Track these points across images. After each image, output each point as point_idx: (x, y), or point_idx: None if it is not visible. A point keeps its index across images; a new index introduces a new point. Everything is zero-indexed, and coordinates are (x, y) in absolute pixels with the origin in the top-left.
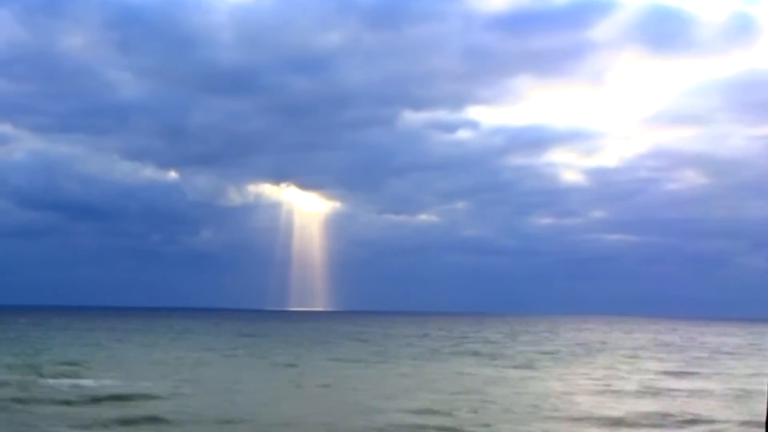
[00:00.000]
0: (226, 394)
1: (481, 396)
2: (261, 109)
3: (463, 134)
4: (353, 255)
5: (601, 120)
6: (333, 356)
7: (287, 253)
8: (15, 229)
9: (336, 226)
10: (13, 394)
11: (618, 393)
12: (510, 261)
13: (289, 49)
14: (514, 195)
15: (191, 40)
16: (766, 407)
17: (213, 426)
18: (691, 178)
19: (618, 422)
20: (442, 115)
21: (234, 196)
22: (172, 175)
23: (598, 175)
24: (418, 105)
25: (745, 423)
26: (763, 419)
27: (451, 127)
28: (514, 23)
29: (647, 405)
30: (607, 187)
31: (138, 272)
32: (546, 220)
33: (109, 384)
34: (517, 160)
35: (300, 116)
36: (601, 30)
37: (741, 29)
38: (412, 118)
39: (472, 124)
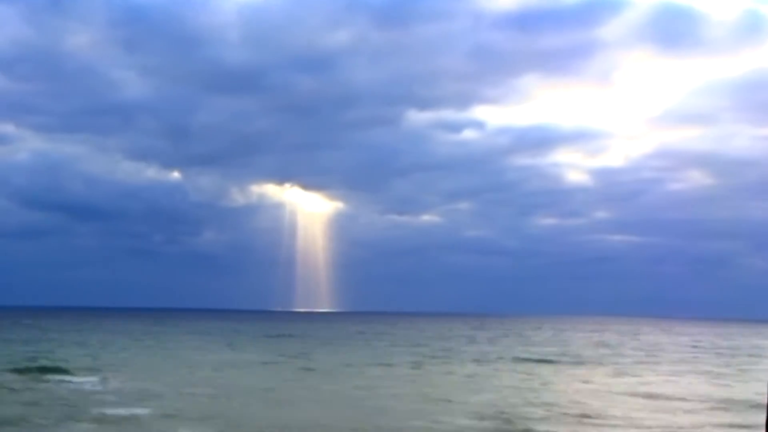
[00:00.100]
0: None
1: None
2: (266, 108)
3: (468, 134)
4: (356, 255)
5: (608, 120)
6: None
7: (290, 254)
8: (17, 229)
9: (339, 226)
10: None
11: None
12: (513, 261)
13: (296, 48)
14: (518, 195)
15: (197, 38)
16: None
17: None
18: (696, 179)
19: None
20: (447, 114)
21: (237, 197)
22: (176, 175)
23: (603, 175)
24: (424, 105)
25: None
26: None
27: (456, 127)
28: (523, 22)
29: None
30: (611, 187)
31: (141, 273)
32: (549, 221)
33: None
34: (521, 160)
35: (304, 116)
36: (611, 28)
37: (752, 28)
38: (416, 117)
39: (478, 124)
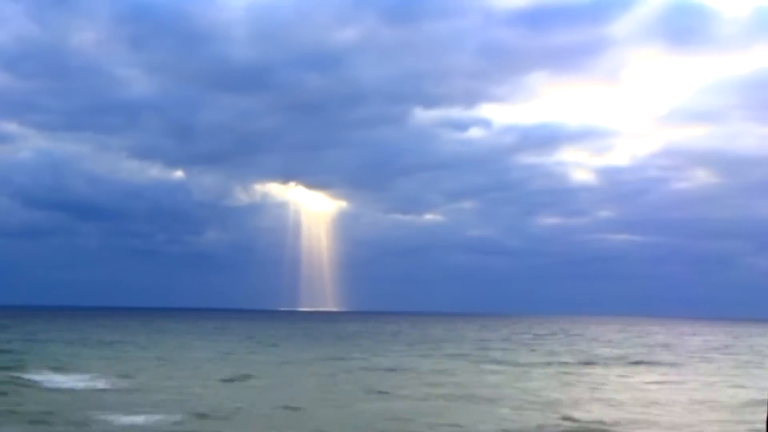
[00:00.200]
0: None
1: None
2: (272, 107)
3: (474, 133)
4: (359, 255)
5: (615, 118)
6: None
7: (294, 253)
8: (20, 229)
9: (342, 225)
10: None
11: None
12: (516, 261)
13: (304, 46)
14: (522, 194)
15: (204, 36)
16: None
17: None
18: (701, 177)
19: None
20: (454, 113)
21: (241, 196)
22: (179, 174)
23: (608, 174)
24: (430, 103)
25: None
26: None
27: (462, 126)
28: (534, 18)
29: None
30: (616, 186)
31: (145, 273)
32: (553, 220)
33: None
34: (527, 158)
35: (310, 114)
36: (622, 25)
37: (763, 25)
38: (423, 116)
39: (484, 123)
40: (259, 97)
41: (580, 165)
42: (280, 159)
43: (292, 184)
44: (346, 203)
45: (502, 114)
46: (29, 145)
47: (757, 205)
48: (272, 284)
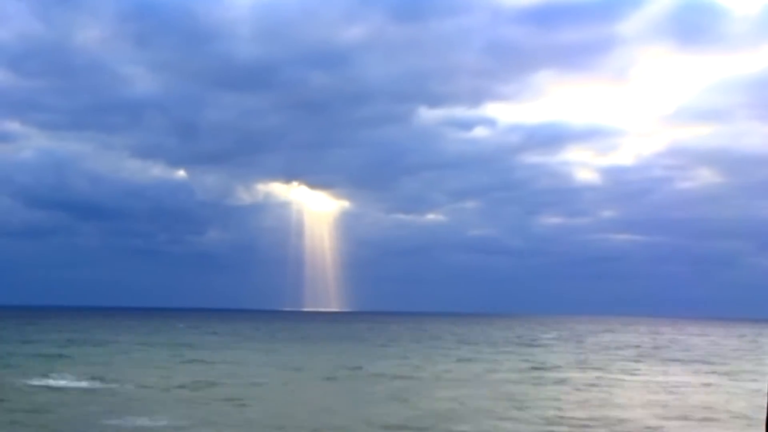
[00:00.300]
0: None
1: None
2: (276, 105)
3: (479, 132)
4: (361, 255)
5: (621, 117)
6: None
7: (297, 254)
8: (22, 228)
9: (344, 225)
10: None
11: None
12: (518, 261)
13: (310, 44)
14: (525, 194)
15: (208, 34)
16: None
17: None
18: (705, 177)
19: None
20: (459, 112)
21: (243, 195)
22: (182, 173)
23: (613, 173)
24: (435, 102)
25: None
26: None
27: (467, 125)
28: (542, 16)
29: None
30: (620, 186)
31: (147, 273)
32: (556, 220)
33: None
34: (531, 158)
35: (314, 113)
36: (632, 23)
37: None
38: (427, 115)
39: (489, 122)
40: (263, 95)
41: (584, 164)
42: (283, 158)
43: (294, 184)
44: (348, 203)
45: (508, 113)
46: (31, 145)
47: (760, 205)
48: (274, 284)
